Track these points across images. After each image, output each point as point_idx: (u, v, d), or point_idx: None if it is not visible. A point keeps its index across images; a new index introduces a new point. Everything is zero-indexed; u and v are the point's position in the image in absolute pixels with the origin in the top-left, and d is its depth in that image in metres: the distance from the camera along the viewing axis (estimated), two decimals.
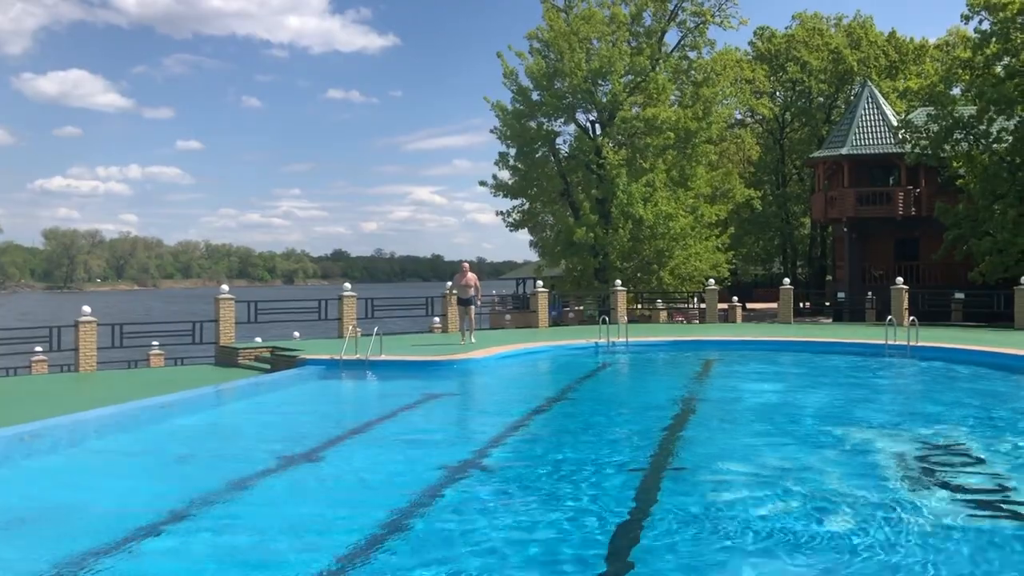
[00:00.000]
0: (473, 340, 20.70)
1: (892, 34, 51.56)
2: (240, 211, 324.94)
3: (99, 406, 13.00)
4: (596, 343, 21.36)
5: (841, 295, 36.49)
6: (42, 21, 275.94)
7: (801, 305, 39.04)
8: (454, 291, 21.73)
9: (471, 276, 20.97)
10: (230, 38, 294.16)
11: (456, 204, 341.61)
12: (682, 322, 32.53)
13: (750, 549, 6.49)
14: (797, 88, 51.57)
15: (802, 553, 6.37)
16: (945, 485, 8.32)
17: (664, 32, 38.47)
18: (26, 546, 7.03)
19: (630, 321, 26.34)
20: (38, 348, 22.26)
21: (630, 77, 35.51)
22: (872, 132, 37.44)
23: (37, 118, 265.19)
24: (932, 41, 51.88)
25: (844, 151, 36.87)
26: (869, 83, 40.95)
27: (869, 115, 37.90)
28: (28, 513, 7.99)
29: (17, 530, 7.50)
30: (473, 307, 21.61)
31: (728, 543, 6.61)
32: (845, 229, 37.30)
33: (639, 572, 6.11)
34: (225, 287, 22.89)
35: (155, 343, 25.21)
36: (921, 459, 9.43)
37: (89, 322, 19.53)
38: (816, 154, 40.16)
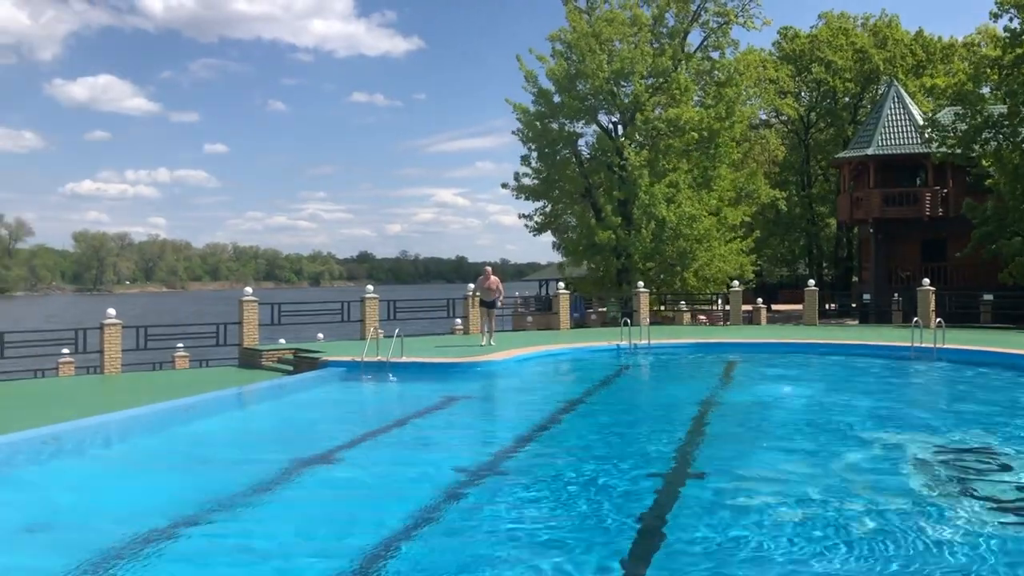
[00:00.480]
0: (493, 343, 20.73)
1: (919, 33, 50.98)
2: (267, 214, 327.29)
3: (119, 409, 13.12)
4: (618, 345, 21.26)
5: (867, 297, 36.09)
6: (72, 27, 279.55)
7: (827, 307, 38.68)
8: (478, 293, 21.86)
9: (494, 279, 21.13)
10: (255, 42, 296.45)
11: (479, 206, 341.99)
12: (705, 323, 32.33)
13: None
14: (822, 88, 51.13)
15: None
16: (973, 492, 8.18)
17: (687, 33, 38.28)
18: (45, 549, 7.10)
19: (653, 323, 26.22)
20: (65, 350, 22.51)
21: (652, 79, 35.38)
22: (898, 132, 37.03)
23: (68, 123, 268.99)
24: (960, 40, 51.23)
25: (870, 151, 36.49)
26: (895, 82, 40.51)
27: (895, 115, 37.49)
28: (47, 516, 8.07)
29: (38, 534, 7.58)
30: (494, 309, 21.76)
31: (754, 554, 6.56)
32: (871, 230, 36.92)
33: None
34: (248, 289, 23.06)
35: (180, 345, 25.44)
36: (945, 463, 9.29)
37: (114, 324, 19.74)
38: (841, 154, 39.80)
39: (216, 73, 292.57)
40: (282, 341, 25.52)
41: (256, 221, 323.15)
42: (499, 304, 22.24)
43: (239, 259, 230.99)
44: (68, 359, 22.91)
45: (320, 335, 28.62)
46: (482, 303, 21.47)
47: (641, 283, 29.57)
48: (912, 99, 40.34)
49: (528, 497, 8.34)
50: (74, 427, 11.72)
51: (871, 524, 7.10)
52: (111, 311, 20.07)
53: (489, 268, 21.56)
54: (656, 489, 8.52)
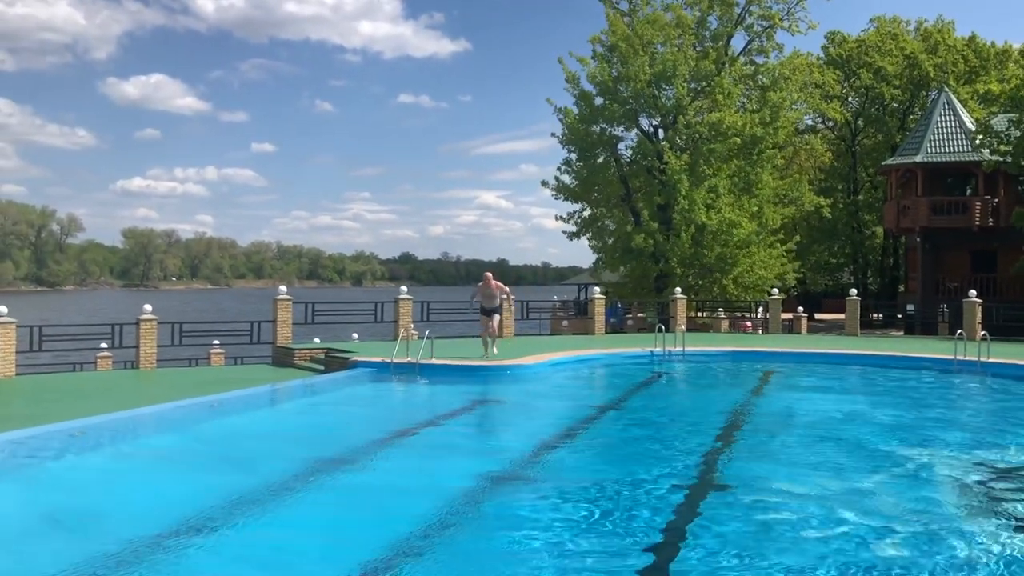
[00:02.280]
0: (495, 350, 19.30)
1: (972, 38, 49.76)
2: (312, 213, 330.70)
3: (149, 403, 13.22)
4: (651, 352, 20.98)
5: (912, 307, 35.26)
6: (127, 27, 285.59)
7: (872, 317, 37.91)
8: (477, 300, 20.59)
9: (495, 284, 19.51)
10: (304, 43, 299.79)
11: (522, 209, 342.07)
12: (749, 331, 31.82)
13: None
14: (870, 94, 50.12)
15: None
16: (1004, 511, 7.84)
17: (730, 36, 37.80)
18: (65, 543, 7.10)
19: (690, 330, 25.86)
20: (103, 345, 22.83)
21: (694, 82, 35.00)
22: (948, 139, 36.15)
23: (120, 121, 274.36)
24: (1016, 46, 49.92)
25: (918, 159, 35.68)
26: (946, 89, 39.57)
27: (945, 122, 36.61)
28: (68, 511, 8.09)
29: (59, 528, 7.59)
30: (498, 316, 20.12)
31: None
32: (918, 239, 36.09)
33: None
34: (283, 288, 23.19)
35: (216, 342, 25.68)
36: (982, 483, 8.93)
37: (149, 320, 19.95)
38: (888, 161, 38.98)
39: (265, 73, 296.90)
40: (316, 340, 25.62)
41: (301, 220, 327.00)
42: (508, 307, 21.21)
43: (283, 258, 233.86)
44: (106, 354, 23.24)
45: (355, 335, 28.72)
46: (483, 310, 19.70)
47: (679, 289, 29.19)
48: (963, 106, 39.36)
49: (541, 502, 8.16)
50: (97, 422, 11.79)
51: (899, 546, 6.82)
52: (147, 307, 20.30)
53: (489, 274, 20.09)
54: (677, 504, 8.26)
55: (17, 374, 17.92)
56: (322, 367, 19.50)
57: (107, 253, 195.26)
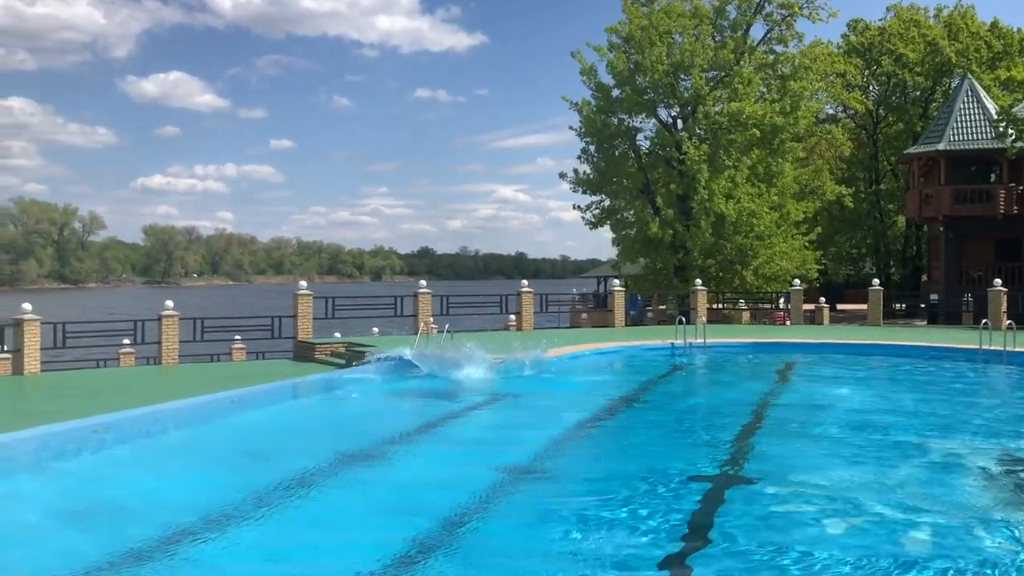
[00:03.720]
0: None
1: (994, 24, 49.09)
2: (330, 209, 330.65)
3: (165, 400, 13.27)
4: (672, 344, 20.87)
5: (935, 297, 34.86)
6: (145, 25, 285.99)
7: (895, 307, 37.53)
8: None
9: None
10: (321, 38, 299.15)
11: (540, 202, 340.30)
12: (775, 322, 31.52)
13: None
14: (891, 81, 49.55)
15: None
16: None
17: (749, 25, 37.42)
18: (86, 536, 7.15)
19: (711, 321, 25.70)
20: (126, 341, 22.98)
21: (713, 72, 34.73)
22: (971, 127, 35.64)
23: (139, 119, 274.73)
24: None
25: (941, 146, 35.21)
26: (969, 75, 39.02)
27: (968, 109, 36.09)
28: (88, 505, 8.15)
29: (81, 521, 7.64)
30: None
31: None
32: (941, 228, 35.65)
33: None
34: (303, 283, 23.26)
35: (237, 337, 25.79)
36: (1010, 473, 8.82)
37: (171, 316, 20.07)
38: (911, 150, 38.50)
39: (282, 70, 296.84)
40: (337, 335, 25.66)
41: (320, 216, 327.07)
42: None
43: (303, 253, 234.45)
44: (128, 350, 23.40)
45: (375, 329, 28.76)
46: None
47: (699, 281, 29.02)
48: (987, 92, 38.81)
49: (558, 495, 8.13)
50: (119, 418, 11.86)
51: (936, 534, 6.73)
52: (169, 303, 20.43)
53: None
54: (697, 500, 8.18)
55: (42, 370, 18.07)
56: (343, 361, 19.54)
57: (128, 250, 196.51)
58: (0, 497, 8.57)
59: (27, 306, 18.25)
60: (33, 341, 17.91)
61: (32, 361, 17.79)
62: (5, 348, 18.61)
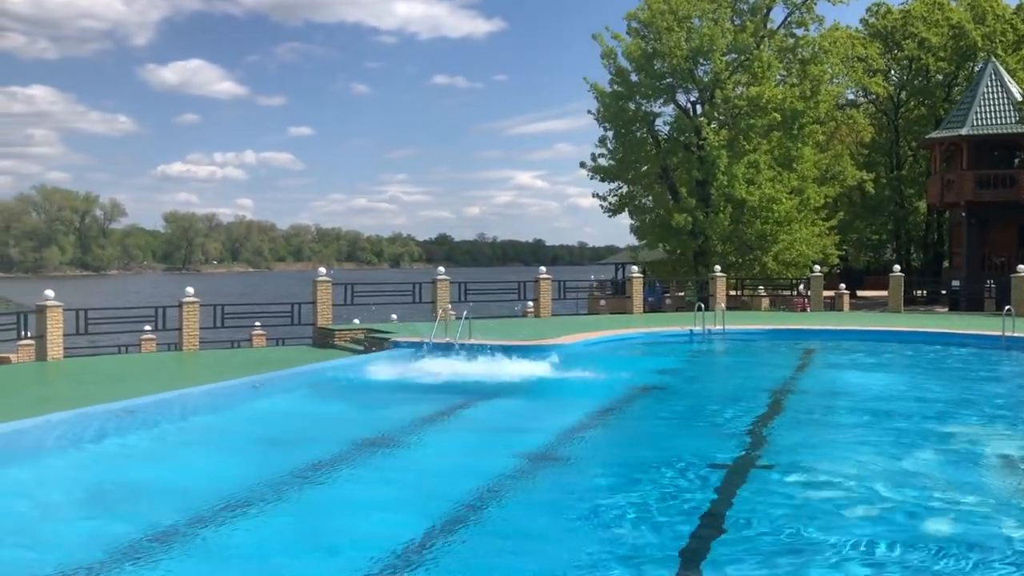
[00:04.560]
0: None
1: (1020, 6, 48.35)
2: (349, 195, 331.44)
3: (186, 385, 13.36)
4: (691, 330, 20.81)
5: (956, 283, 34.55)
6: (165, 13, 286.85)
7: (916, 293, 37.25)
8: None
9: None
10: (339, 25, 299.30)
11: (558, 188, 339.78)
12: (784, 310, 31.39)
13: None
14: (914, 66, 48.97)
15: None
16: None
17: (769, 9, 37.10)
18: (105, 519, 7.24)
19: (730, 308, 25.60)
20: (147, 327, 23.18)
21: (733, 55, 34.46)
22: (995, 111, 35.21)
23: (159, 106, 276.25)
24: None
25: (963, 131, 34.83)
26: (993, 59, 38.52)
27: (992, 93, 35.64)
28: (110, 488, 8.25)
29: (99, 504, 7.74)
30: None
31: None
32: (963, 214, 35.31)
33: None
34: (322, 270, 23.37)
35: (257, 324, 25.96)
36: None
37: (192, 303, 20.22)
38: (933, 135, 38.10)
39: (301, 57, 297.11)
40: (356, 321, 25.76)
41: (338, 203, 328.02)
42: None
43: (322, 240, 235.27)
44: (150, 336, 23.59)
45: (394, 316, 28.83)
46: None
47: (718, 267, 28.91)
48: (1012, 76, 38.30)
49: (566, 485, 8.15)
50: (142, 402, 11.96)
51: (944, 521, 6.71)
52: (189, 289, 20.58)
53: None
54: (714, 489, 8.17)
55: (65, 356, 18.27)
56: (362, 348, 19.64)
57: (149, 237, 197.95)
58: (31, 481, 8.68)
59: (50, 293, 18.43)
60: (56, 327, 18.10)
61: (55, 347, 17.98)
62: (28, 334, 18.85)
